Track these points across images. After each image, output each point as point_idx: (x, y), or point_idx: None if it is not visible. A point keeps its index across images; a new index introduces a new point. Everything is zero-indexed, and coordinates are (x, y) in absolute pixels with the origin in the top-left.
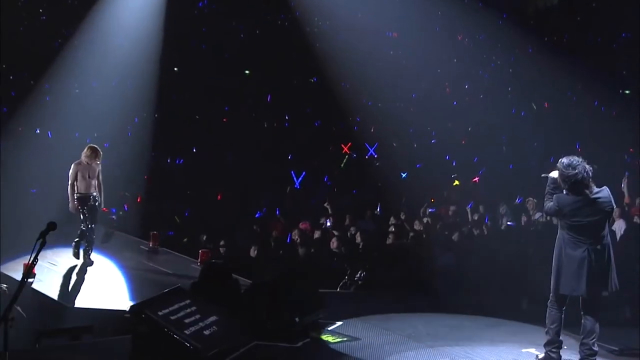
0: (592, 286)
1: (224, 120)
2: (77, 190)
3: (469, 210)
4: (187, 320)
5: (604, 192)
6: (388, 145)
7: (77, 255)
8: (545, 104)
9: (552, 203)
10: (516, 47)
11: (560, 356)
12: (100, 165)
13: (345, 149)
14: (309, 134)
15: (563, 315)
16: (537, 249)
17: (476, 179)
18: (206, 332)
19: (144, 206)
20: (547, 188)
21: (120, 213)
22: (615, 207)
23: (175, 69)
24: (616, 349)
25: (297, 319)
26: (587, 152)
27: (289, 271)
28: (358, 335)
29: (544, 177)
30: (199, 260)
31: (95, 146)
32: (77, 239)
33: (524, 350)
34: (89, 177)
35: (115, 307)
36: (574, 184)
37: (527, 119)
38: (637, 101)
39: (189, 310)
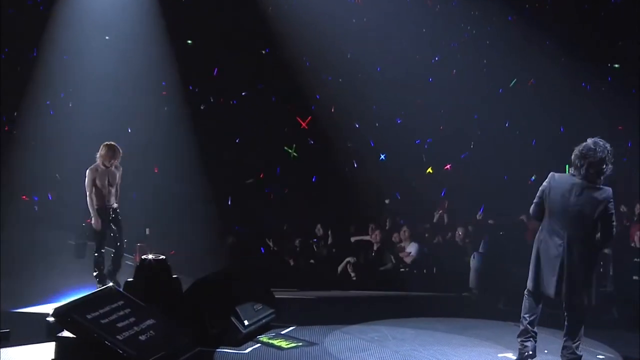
0: (564, 287)
1: (164, 93)
2: (96, 201)
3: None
4: (120, 325)
5: (603, 190)
6: (350, 127)
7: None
8: (529, 81)
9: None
10: (494, 16)
11: (534, 349)
12: (121, 169)
13: (304, 124)
14: (260, 114)
15: (540, 306)
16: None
17: (448, 166)
18: (142, 338)
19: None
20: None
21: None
22: (611, 208)
23: (107, 37)
24: (602, 356)
25: (245, 322)
26: (572, 134)
27: (236, 268)
28: (314, 340)
29: None
30: (134, 256)
31: (113, 143)
32: (96, 272)
33: (500, 355)
34: (108, 183)
35: (36, 310)
36: (583, 158)
37: (504, 97)
38: (627, 75)
39: (122, 312)
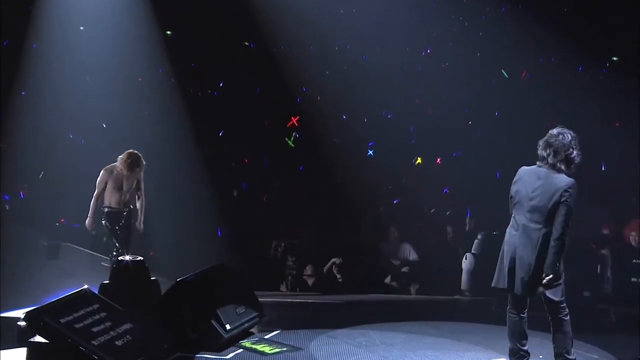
0: (519, 280)
1: (140, 79)
2: (107, 203)
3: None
4: (95, 329)
5: (562, 179)
6: (338, 119)
7: None
8: (523, 73)
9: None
10: (487, 6)
11: None
12: (142, 175)
13: (294, 120)
14: (243, 107)
15: (524, 321)
16: None
17: (439, 160)
18: (118, 343)
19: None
20: None
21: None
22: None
23: (82, 27)
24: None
25: (227, 326)
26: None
27: (217, 268)
28: (299, 345)
29: None
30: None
31: (137, 153)
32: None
33: None
34: (123, 187)
35: (6, 314)
36: (547, 146)
37: (498, 89)
38: (625, 69)
39: (97, 316)
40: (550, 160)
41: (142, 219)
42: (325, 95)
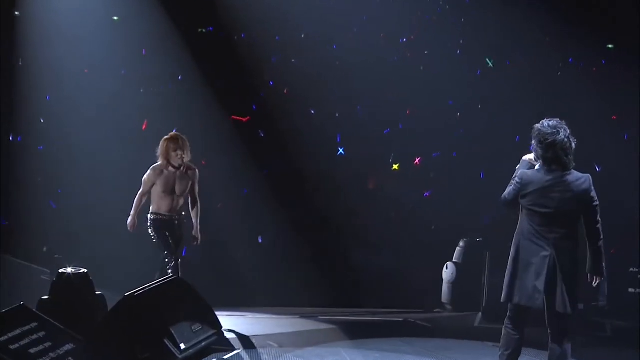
0: (553, 296)
1: (85, 71)
2: (154, 209)
3: None
4: (33, 350)
5: (584, 179)
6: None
7: None
8: (507, 62)
9: (512, 186)
10: None
11: None
12: (197, 173)
13: (244, 120)
14: (200, 100)
15: (521, 338)
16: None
17: (417, 160)
18: None
19: None
20: (515, 173)
21: None
22: (594, 197)
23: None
24: None
25: (181, 346)
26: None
27: (171, 282)
28: None
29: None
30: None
31: (175, 134)
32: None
33: None
34: (175, 190)
35: None
36: (550, 147)
37: (483, 80)
38: (623, 57)
39: (35, 336)
40: (563, 161)
41: (199, 227)
42: (291, 88)
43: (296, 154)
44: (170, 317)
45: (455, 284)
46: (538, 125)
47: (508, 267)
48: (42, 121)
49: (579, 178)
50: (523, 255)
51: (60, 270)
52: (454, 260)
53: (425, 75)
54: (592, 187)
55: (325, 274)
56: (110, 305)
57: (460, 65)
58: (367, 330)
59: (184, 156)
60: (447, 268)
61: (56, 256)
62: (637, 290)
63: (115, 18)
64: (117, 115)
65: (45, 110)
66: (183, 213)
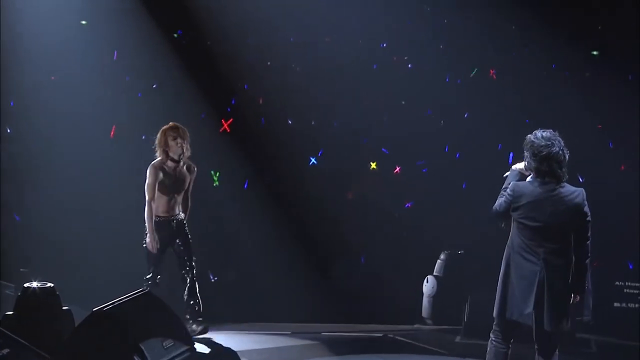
0: (542, 312)
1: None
2: (154, 211)
3: None
4: None
5: (578, 193)
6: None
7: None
8: (491, 70)
9: (503, 198)
10: None
11: None
12: (195, 171)
13: (225, 125)
14: (172, 106)
15: (509, 352)
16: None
17: (397, 169)
18: None
19: None
20: (505, 183)
21: None
22: (588, 212)
23: None
24: None
25: None
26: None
27: (141, 296)
28: None
29: (506, 176)
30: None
31: (179, 125)
32: None
33: None
34: (173, 188)
35: None
36: (545, 160)
37: (465, 87)
38: (608, 65)
39: None
40: (557, 173)
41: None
42: (266, 94)
43: (273, 162)
44: (140, 333)
45: (436, 297)
46: (531, 137)
47: (499, 282)
48: (8, 131)
49: (572, 191)
50: (514, 269)
51: (26, 285)
52: (434, 273)
53: (406, 82)
54: (586, 202)
55: (301, 288)
56: (78, 320)
57: (443, 72)
58: (345, 346)
59: (184, 145)
60: (427, 281)
61: (21, 270)
62: (637, 306)
63: (84, 22)
64: (84, 123)
65: (9, 118)
66: (181, 213)
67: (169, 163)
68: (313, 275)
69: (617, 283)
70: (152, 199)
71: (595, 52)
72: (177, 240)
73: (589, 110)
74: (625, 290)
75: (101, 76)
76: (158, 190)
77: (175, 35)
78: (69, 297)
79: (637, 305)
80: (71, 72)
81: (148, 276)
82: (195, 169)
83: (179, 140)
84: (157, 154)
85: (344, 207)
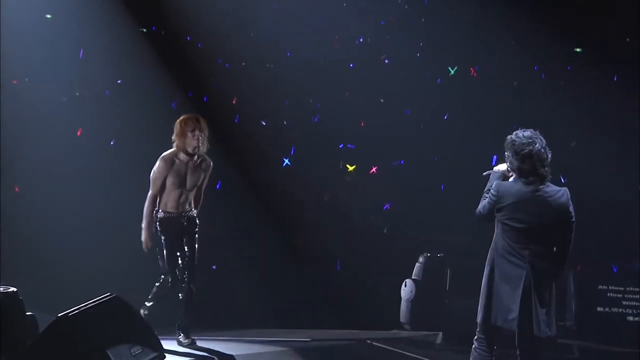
0: (527, 317)
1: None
2: (162, 207)
3: None
4: None
5: (562, 192)
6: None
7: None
8: (472, 69)
9: (487, 199)
10: None
11: None
12: (211, 167)
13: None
14: (143, 107)
15: (493, 359)
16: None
17: (374, 169)
18: None
19: None
20: (488, 185)
21: None
22: (572, 212)
23: None
24: None
25: None
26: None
27: (108, 301)
28: None
29: (486, 174)
30: None
31: (199, 117)
32: (149, 305)
33: None
34: (185, 183)
35: None
36: (527, 158)
37: (444, 87)
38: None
39: None
40: (540, 171)
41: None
42: (240, 94)
43: (247, 164)
44: (107, 339)
45: (414, 302)
46: (512, 136)
47: (482, 286)
48: None
49: (557, 191)
50: (498, 273)
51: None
52: (412, 277)
53: (384, 81)
54: (571, 202)
55: (276, 294)
56: (42, 327)
57: (421, 72)
58: (320, 352)
59: (200, 137)
60: (405, 285)
61: None
62: (636, 319)
63: (48, 16)
64: (51, 122)
65: None
66: (194, 210)
67: (182, 156)
68: (288, 280)
69: (600, 287)
70: (156, 193)
71: (578, 49)
72: (184, 239)
73: (572, 110)
74: (608, 295)
75: (68, 73)
76: (168, 184)
77: (144, 29)
78: (32, 302)
79: (620, 310)
80: (37, 68)
81: (162, 277)
82: (211, 164)
83: (197, 132)
84: (175, 143)
85: (320, 209)
